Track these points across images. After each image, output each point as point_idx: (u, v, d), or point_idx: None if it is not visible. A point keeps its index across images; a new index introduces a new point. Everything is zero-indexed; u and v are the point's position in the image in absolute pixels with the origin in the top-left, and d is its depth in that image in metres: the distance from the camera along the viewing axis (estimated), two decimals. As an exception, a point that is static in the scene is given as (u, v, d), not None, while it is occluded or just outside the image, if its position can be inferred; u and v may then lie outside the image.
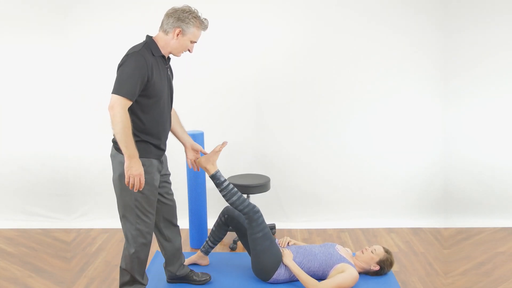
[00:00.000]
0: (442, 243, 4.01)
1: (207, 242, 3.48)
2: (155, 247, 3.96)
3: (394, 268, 3.48)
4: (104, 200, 4.48)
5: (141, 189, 2.65)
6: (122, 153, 2.60)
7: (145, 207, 2.76)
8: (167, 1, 4.28)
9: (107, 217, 4.47)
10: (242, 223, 3.34)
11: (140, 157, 2.63)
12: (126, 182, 2.60)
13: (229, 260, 3.62)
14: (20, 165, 4.48)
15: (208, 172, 3.08)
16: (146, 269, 3.09)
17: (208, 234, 3.54)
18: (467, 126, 4.38)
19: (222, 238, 3.47)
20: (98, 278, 3.42)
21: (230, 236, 4.08)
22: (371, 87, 4.36)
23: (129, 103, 2.56)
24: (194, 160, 3.14)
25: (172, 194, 3.05)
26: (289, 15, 4.30)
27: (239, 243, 4.00)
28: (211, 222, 4.12)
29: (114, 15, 4.31)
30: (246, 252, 3.74)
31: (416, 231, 4.27)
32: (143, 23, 4.29)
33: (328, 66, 4.35)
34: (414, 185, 4.45)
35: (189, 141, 3.10)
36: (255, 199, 4.25)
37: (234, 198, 3.11)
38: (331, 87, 4.37)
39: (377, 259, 3.27)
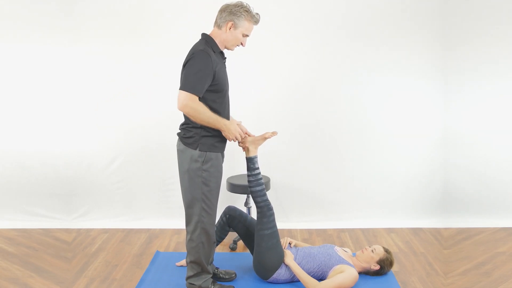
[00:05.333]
0: (442, 243, 4.01)
1: (208, 242, 3.48)
2: (154, 247, 3.96)
3: (394, 268, 3.48)
4: (104, 200, 4.48)
5: (243, 137, 2.95)
6: (192, 148, 2.81)
7: (211, 200, 2.90)
8: (168, 2, 4.35)
9: (107, 217, 4.47)
10: (243, 223, 3.36)
11: (208, 151, 2.83)
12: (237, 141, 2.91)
13: (229, 260, 3.62)
14: (20, 165, 4.47)
15: (248, 154, 3.14)
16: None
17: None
18: (467, 126, 4.37)
19: (223, 238, 3.48)
20: (98, 278, 3.42)
21: (230, 236, 4.08)
22: (371, 87, 4.36)
23: (197, 98, 2.70)
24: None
25: None
26: (289, 15, 4.30)
27: (239, 243, 4.00)
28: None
29: (115, 15, 4.30)
30: (246, 252, 3.74)
31: (416, 231, 4.28)
32: (144, 23, 4.30)
33: (328, 67, 4.34)
34: (414, 185, 4.45)
35: (236, 121, 3.19)
36: (255, 199, 4.25)
37: (258, 188, 3.15)
38: (331, 87, 4.37)
39: (377, 258, 3.28)
